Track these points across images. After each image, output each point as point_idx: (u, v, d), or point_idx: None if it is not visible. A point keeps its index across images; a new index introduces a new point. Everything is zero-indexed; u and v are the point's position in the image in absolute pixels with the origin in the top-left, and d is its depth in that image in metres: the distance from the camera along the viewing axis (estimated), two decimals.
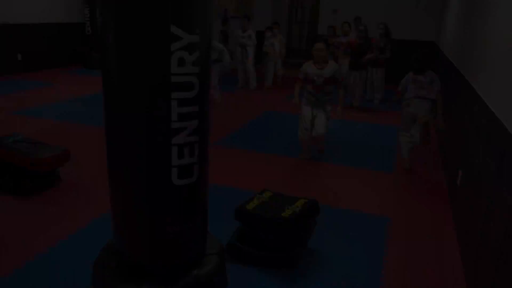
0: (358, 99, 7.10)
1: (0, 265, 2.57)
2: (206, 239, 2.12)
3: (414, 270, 2.74)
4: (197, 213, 1.99)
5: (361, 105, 7.13)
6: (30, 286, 2.40)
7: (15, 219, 3.12)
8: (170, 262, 1.96)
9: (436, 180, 4.25)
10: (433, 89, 4.16)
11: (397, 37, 7.96)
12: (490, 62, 2.89)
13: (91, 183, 3.77)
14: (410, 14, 9.36)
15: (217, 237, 2.33)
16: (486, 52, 3.12)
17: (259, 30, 9.00)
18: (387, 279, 2.62)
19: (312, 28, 11.82)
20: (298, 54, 11.58)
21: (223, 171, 4.08)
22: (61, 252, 2.74)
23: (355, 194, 3.84)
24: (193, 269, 1.97)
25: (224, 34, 9.58)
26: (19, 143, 3.58)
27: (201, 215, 2.02)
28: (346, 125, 5.99)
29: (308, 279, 2.56)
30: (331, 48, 7.15)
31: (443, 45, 7.21)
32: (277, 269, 2.61)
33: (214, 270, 2.03)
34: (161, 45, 1.65)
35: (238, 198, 2.95)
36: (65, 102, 6.75)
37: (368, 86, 7.54)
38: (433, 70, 4.38)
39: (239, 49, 8.33)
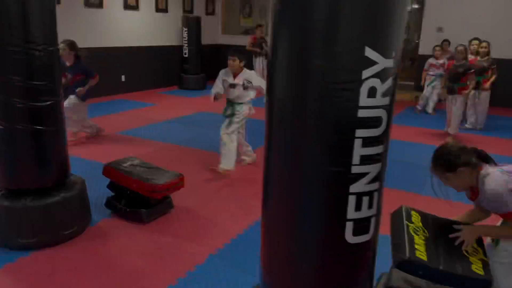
0: (454, 127, 6.34)
1: None
2: None
3: None
4: (364, 281, 1.61)
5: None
6: None
7: (132, 250, 2.98)
8: None
9: None
10: None
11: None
12: None
13: (204, 212, 3.58)
14: None
15: None
16: None
17: None
18: None
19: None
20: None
21: None
22: None
23: None
24: None
25: None
26: (136, 167, 3.50)
27: (368, 283, 1.64)
28: None
29: None
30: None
31: None
32: None
33: None
34: (352, 71, 1.32)
35: None
36: (169, 122, 6.84)
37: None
38: None
39: None
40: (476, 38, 7.38)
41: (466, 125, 6.98)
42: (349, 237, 1.47)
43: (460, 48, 6.14)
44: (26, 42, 2.68)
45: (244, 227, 3.34)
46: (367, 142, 1.39)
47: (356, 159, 1.39)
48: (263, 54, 9.92)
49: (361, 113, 1.36)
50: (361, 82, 1.33)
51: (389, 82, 1.39)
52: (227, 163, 4.37)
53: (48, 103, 2.86)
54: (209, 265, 2.80)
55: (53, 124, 2.91)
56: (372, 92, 1.35)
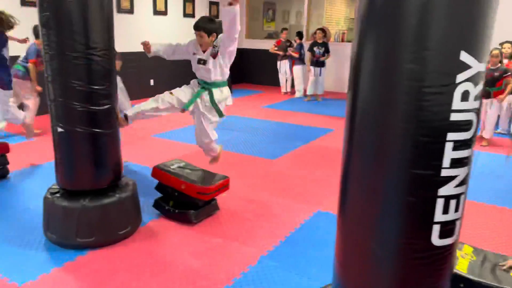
0: (489, 131, 6.25)
1: None
2: None
3: None
4: (446, 283, 1.62)
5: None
6: None
7: (184, 250, 3.03)
8: None
9: None
10: None
11: None
12: None
13: (248, 214, 3.62)
14: None
15: None
16: None
17: None
18: None
19: None
20: None
21: None
22: None
23: None
24: None
25: None
26: (183, 169, 3.57)
27: (448, 286, 1.65)
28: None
29: None
30: None
31: None
32: None
33: None
34: (446, 75, 1.35)
35: None
36: None
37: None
38: None
39: None
40: (508, 41, 7.25)
41: (499, 130, 6.88)
42: (436, 240, 1.48)
43: (495, 51, 6.05)
44: (87, 47, 2.77)
45: (290, 230, 3.36)
46: (458, 145, 1.41)
47: (446, 162, 1.41)
48: (288, 57, 9.96)
49: (454, 117, 1.37)
50: (455, 86, 1.35)
51: (480, 85, 1.40)
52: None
53: (106, 107, 2.94)
54: (261, 266, 2.84)
55: (109, 127, 3.00)
56: (465, 96, 1.37)
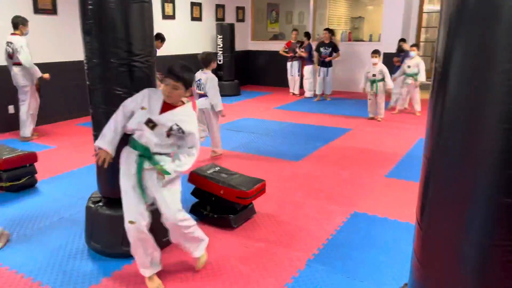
0: None
1: None
2: None
3: None
4: None
5: None
6: None
7: (230, 256, 3.01)
8: None
9: None
10: None
11: None
12: None
13: (285, 217, 3.60)
14: None
15: None
16: None
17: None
18: None
19: None
20: None
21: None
22: None
23: None
24: None
25: None
26: (219, 174, 3.55)
27: None
28: None
29: None
30: None
31: None
32: None
33: None
34: None
35: None
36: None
37: None
38: None
39: None
40: None
41: None
42: None
43: None
44: (131, 54, 2.75)
45: (330, 232, 3.35)
46: None
47: None
48: (297, 58, 9.95)
49: None
50: None
51: None
52: None
53: None
54: (311, 270, 2.82)
55: None
56: None
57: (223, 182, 3.38)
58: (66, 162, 5.07)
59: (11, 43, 5.73)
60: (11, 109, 6.67)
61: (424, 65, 7.73)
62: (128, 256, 2.92)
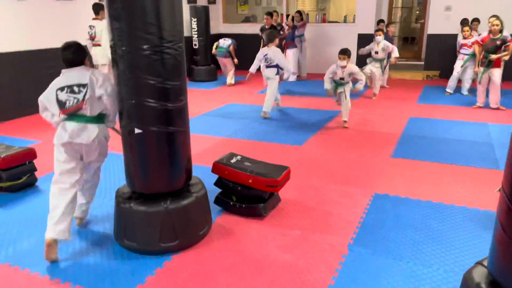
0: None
1: None
2: None
3: None
4: None
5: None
6: None
7: (268, 245, 2.96)
8: None
9: None
10: None
11: None
12: None
13: (310, 202, 3.59)
14: None
15: None
16: None
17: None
18: None
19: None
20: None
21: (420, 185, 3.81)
22: (348, 281, 2.54)
23: None
24: None
25: None
26: (243, 163, 3.46)
27: None
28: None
29: None
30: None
31: None
32: None
33: None
34: None
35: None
36: (206, 115, 6.73)
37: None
38: None
39: None
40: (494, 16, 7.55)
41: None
42: None
43: (496, 21, 6.42)
44: (163, 41, 2.59)
45: (359, 214, 3.37)
46: None
47: None
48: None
49: None
50: None
51: None
52: None
53: (182, 103, 2.78)
54: (355, 255, 2.83)
55: (183, 124, 2.84)
56: None
57: (251, 171, 3.30)
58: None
59: (93, 26, 6.90)
60: None
61: (392, 45, 7.87)
62: (165, 252, 2.82)
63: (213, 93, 8.69)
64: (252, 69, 6.54)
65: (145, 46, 2.56)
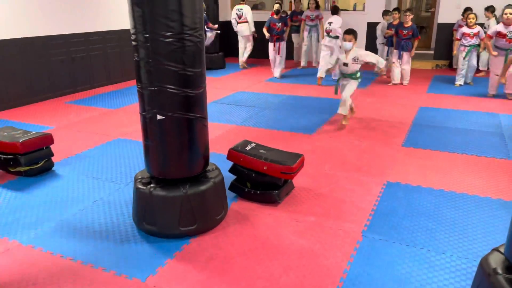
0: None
1: None
2: None
3: None
4: None
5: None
6: None
7: (284, 231, 3.02)
8: None
9: None
10: None
11: None
12: None
13: (323, 189, 3.64)
14: None
15: None
16: None
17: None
18: None
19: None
20: None
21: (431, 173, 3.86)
22: (364, 266, 2.60)
23: None
24: None
25: None
26: (258, 150, 3.51)
27: None
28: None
29: None
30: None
31: None
32: None
33: None
34: None
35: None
36: (216, 103, 6.76)
37: None
38: None
39: None
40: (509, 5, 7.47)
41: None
42: None
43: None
44: (184, 28, 2.61)
45: (372, 202, 3.42)
46: None
47: None
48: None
49: None
50: None
51: None
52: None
53: (201, 90, 2.82)
54: (370, 241, 2.88)
55: (202, 111, 2.88)
56: None
57: (265, 158, 3.35)
58: (73, 143, 4.84)
59: (241, 9, 9.56)
60: None
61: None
62: (183, 236, 2.89)
63: (222, 80, 8.71)
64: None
65: (167, 33, 2.59)
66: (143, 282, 2.47)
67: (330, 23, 8.14)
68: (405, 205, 3.37)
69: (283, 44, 8.73)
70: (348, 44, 5.12)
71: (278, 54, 8.69)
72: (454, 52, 8.13)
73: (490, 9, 8.47)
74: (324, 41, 8.33)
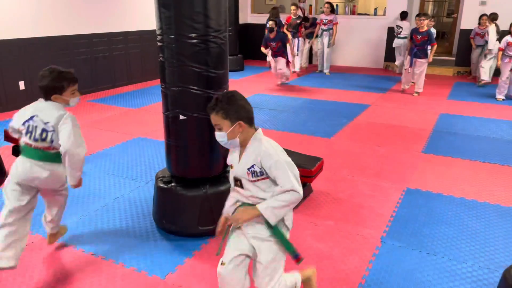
0: None
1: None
2: None
3: None
4: None
5: None
6: None
7: (302, 234, 3.02)
8: None
9: None
10: None
11: None
12: None
13: (341, 194, 3.62)
14: None
15: None
16: None
17: None
18: None
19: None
20: None
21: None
22: (383, 272, 2.58)
23: None
24: None
25: None
26: None
27: None
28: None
29: None
30: None
31: None
32: None
33: None
34: None
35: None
36: None
37: None
38: None
39: None
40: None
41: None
42: None
43: None
44: (211, 30, 2.64)
45: (392, 208, 3.39)
46: None
47: None
48: (297, 36, 9.59)
49: None
50: None
51: None
52: None
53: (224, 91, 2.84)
54: (389, 247, 2.86)
55: None
56: None
57: None
58: (95, 141, 4.92)
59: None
60: (21, 85, 6.38)
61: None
62: (203, 235, 2.91)
63: (240, 82, 8.76)
64: None
65: (192, 35, 2.62)
66: (163, 279, 2.50)
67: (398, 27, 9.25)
68: (425, 213, 3.33)
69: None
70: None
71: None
72: (498, 63, 7.33)
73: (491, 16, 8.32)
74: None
